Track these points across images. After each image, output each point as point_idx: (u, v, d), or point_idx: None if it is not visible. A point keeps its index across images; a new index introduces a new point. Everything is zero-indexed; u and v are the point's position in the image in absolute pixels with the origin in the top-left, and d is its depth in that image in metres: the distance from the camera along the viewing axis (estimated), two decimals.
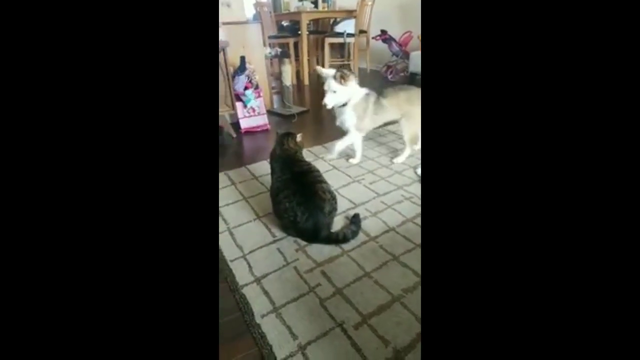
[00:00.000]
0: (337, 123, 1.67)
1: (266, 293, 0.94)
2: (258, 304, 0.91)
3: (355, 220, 1.20)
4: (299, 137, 1.29)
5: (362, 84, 1.63)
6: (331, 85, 1.52)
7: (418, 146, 1.76)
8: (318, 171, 1.21)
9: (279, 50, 3.46)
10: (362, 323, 0.84)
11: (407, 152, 1.73)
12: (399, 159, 1.72)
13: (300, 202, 1.09)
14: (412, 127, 1.65)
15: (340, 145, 1.68)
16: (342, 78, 1.50)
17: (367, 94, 1.59)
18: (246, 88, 2.18)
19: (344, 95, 1.54)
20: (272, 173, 1.25)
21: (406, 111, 1.63)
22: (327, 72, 1.55)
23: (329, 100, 1.55)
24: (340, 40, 3.57)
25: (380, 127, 1.79)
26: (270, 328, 0.84)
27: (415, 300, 0.90)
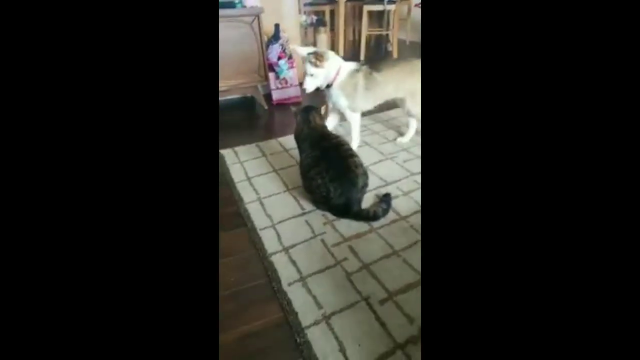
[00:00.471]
0: (330, 105, 1.51)
1: (293, 262, 0.96)
2: (285, 272, 0.93)
3: (386, 199, 1.17)
4: (323, 109, 1.26)
5: (401, 56, 1.51)
6: (307, 68, 1.37)
7: (407, 138, 1.62)
8: (348, 144, 1.18)
9: (315, 18, 3.33)
10: (387, 299, 0.84)
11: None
12: (404, 139, 1.61)
13: (333, 178, 1.08)
14: (419, 102, 1.46)
15: (354, 134, 1.54)
16: (316, 59, 1.34)
17: (356, 70, 1.42)
18: (279, 58, 2.14)
19: (324, 76, 1.39)
20: (301, 151, 1.24)
21: (411, 86, 1.45)
22: (302, 51, 1.39)
23: (308, 85, 1.39)
24: (379, 7, 3.34)
25: (380, 105, 1.55)
26: (297, 296, 0.86)
27: None
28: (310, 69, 1.37)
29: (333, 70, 1.39)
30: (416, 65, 1.46)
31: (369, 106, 1.50)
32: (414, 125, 1.62)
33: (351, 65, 1.43)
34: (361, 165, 1.13)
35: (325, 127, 1.26)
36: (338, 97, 1.43)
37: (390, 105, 1.55)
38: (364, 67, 1.43)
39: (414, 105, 1.48)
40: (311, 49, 1.40)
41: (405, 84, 1.45)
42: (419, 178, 1.35)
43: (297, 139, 1.27)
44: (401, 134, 1.68)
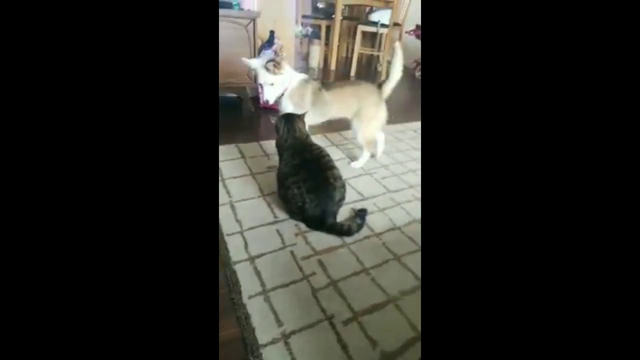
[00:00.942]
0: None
1: (258, 273, 0.91)
2: (248, 283, 0.87)
3: (361, 214, 1.15)
4: (306, 117, 1.24)
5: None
6: (266, 78, 1.33)
7: (379, 153, 1.62)
8: (329, 156, 1.16)
9: (310, 30, 3.36)
10: (352, 319, 0.80)
11: (365, 156, 1.54)
12: (357, 164, 1.54)
13: (310, 189, 1.04)
14: (364, 129, 1.45)
15: None
16: (274, 67, 1.32)
17: (305, 80, 1.41)
18: None
19: (282, 84, 1.37)
20: (280, 158, 1.20)
21: (356, 110, 1.44)
22: (255, 63, 1.36)
23: (269, 95, 1.36)
24: (373, 29, 3.43)
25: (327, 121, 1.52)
26: (257, 310, 0.80)
27: (411, 304, 0.85)
28: (270, 77, 1.33)
29: (287, 79, 1.39)
30: (364, 90, 1.46)
31: (315, 121, 1.49)
32: (382, 140, 1.62)
33: (301, 76, 1.43)
34: (340, 177, 1.11)
35: (308, 136, 1.23)
36: (287, 106, 1.42)
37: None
38: (314, 82, 1.43)
39: (358, 125, 1.46)
40: (267, 58, 1.37)
41: (351, 106, 1.45)
42: (395, 196, 1.34)
43: (279, 147, 1.22)
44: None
